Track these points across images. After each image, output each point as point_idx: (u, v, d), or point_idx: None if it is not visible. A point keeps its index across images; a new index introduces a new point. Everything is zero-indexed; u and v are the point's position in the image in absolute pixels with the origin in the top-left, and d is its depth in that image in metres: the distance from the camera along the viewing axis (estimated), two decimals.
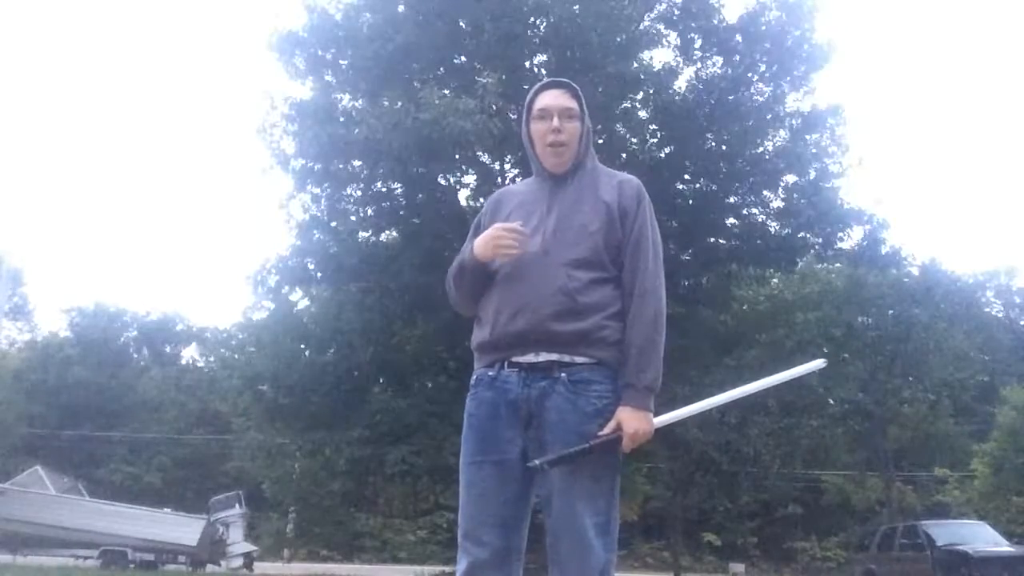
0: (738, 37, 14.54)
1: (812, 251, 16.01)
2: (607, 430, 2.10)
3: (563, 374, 2.13)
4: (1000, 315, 38.03)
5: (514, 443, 2.15)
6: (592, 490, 2.10)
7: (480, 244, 2.22)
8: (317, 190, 14.76)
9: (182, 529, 19.64)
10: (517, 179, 12.28)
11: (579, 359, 2.14)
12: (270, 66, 18.87)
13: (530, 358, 2.15)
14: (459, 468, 2.23)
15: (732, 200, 15.75)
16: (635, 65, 14.64)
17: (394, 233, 15.81)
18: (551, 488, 2.10)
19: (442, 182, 15.28)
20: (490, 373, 2.20)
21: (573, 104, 2.31)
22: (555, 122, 2.27)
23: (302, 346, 15.95)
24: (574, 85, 2.36)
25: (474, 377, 2.26)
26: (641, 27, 14.82)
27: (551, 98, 2.32)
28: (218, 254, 73.27)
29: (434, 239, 13.95)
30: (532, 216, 2.26)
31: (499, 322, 2.17)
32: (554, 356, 2.14)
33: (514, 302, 2.15)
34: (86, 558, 18.85)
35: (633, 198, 2.28)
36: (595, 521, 2.09)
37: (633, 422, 2.10)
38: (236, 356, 20.91)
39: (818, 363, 2.52)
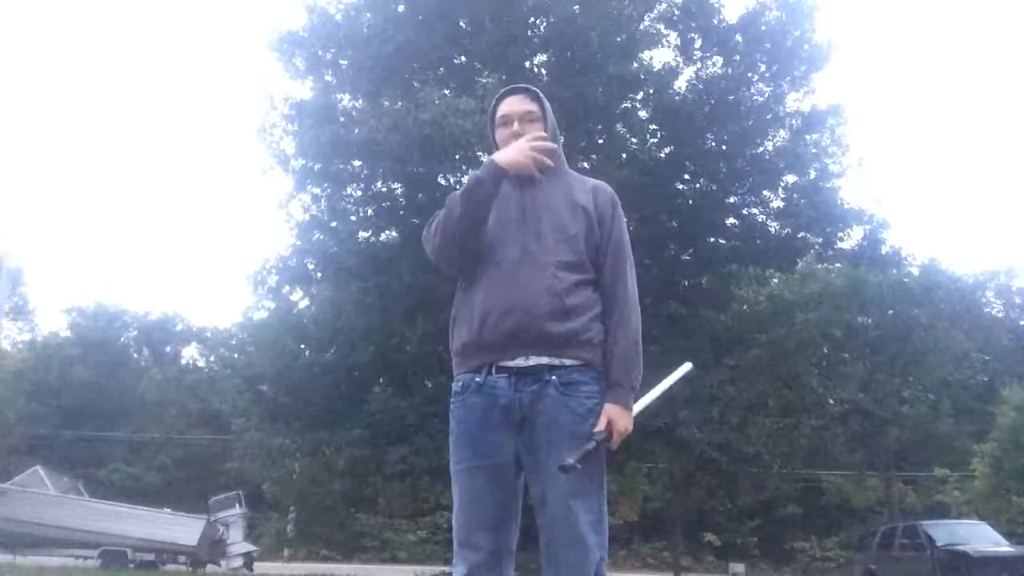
0: (738, 37, 14.55)
1: (812, 251, 16.01)
2: (599, 427, 2.12)
3: (553, 376, 2.14)
4: (1000, 315, 37.97)
5: (506, 447, 2.16)
6: (585, 488, 2.12)
7: (511, 153, 2.19)
8: (317, 190, 14.77)
9: (182, 529, 19.63)
10: None
11: (567, 361, 2.16)
12: (270, 66, 18.92)
13: (519, 362, 2.15)
14: (451, 475, 2.24)
15: (732, 200, 15.75)
16: (635, 65, 14.64)
17: (394, 233, 15.81)
18: (544, 488, 2.12)
19: (442, 182, 15.28)
20: (477, 379, 2.19)
21: (533, 107, 2.34)
22: (515, 126, 2.31)
23: (302, 346, 15.95)
24: (534, 89, 2.39)
25: (459, 383, 2.24)
26: (641, 27, 14.83)
27: (511, 104, 2.36)
28: (218, 254, 73.31)
29: None
30: (505, 216, 2.26)
31: (488, 322, 2.15)
32: (544, 359, 2.14)
33: (503, 302, 2.15)
34: (86, 558, 18.84)
35: (608, 204, 2.32)
36: (589, 519, 2.11)
37: (622, 420, 2.15)
38: (236, 356, 20.90)
39: (686, 367, 2.63)
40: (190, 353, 42.68)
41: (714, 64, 15.12)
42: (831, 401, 18.94)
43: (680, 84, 15.30)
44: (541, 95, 2.37)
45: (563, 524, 2.10)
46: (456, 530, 2.21)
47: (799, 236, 15.42)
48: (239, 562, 20.23)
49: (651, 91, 14.96)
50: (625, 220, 2.36)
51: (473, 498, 2.17)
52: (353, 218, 15.33)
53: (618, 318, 2.22)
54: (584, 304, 2.19)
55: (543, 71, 14.66)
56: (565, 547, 2.11)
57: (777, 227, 15.86)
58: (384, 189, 15.15)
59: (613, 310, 2.23)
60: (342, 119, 13.69)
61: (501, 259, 2.19)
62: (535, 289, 2.14)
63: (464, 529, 2.18)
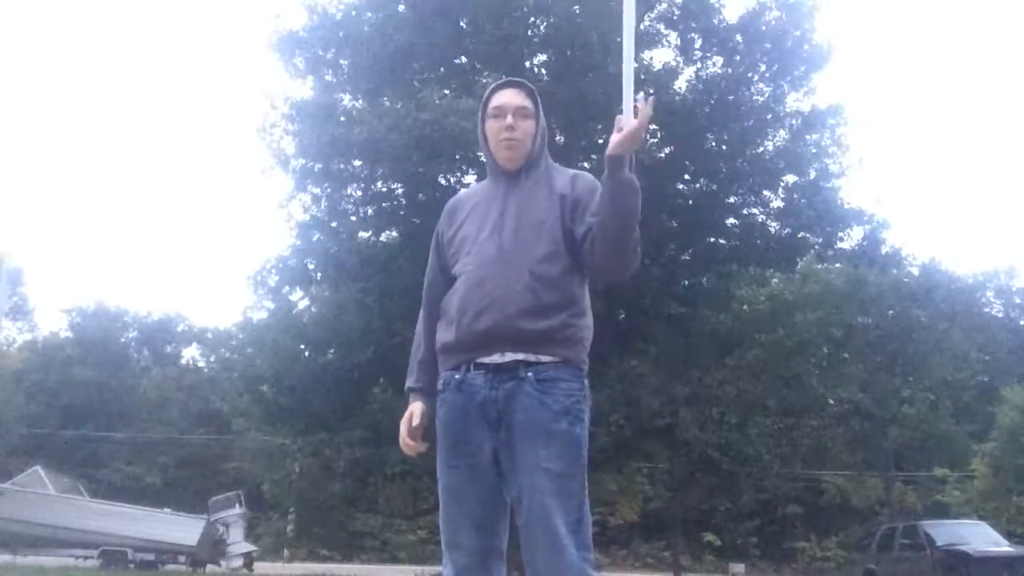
0: (738, 37, 14.54)
1: (812, 251, 16.00)
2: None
3: (529, 373, 2.11)
4: (1000, 315, 37.95)
5: (485, 445, 2.14)
6: (564, 488, 2.05)
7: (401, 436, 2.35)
8: (317, 190, 14.77)
9: (182, 529, 19.63)
10: None
11: (544, 358, 2.13)
12: (270, 66, 18.95)
13: (496, 359, 2.13)
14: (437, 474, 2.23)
15: (732, 200, 15.74)
16: (635, 65, 14.63)
17: (394, 233, 15.79)
18: (520, 487, 2.07)
19: (442, 182, 15.28)
20: (456, 376, 2.18)
21: (528, 103, 2.32)
22: (509, 119, 2.28)
23: (302, 346, 15.93)
24: (529, 85, 2.37)
25: (440, 381, 2.24)
26: (641, 27, 14.81)
27: (506, 97, 2.32)
28: (218, 254, 73.32)
29: None
30: (487, 216, 2.25)
31: (463, 322, 2.15)
32: (520, 356, 2.12)
33: (478, 301, 2.14)
34: (86, 558, 18.84)
35: (587, 190, 2.26)
36: (566, 520, 2.03)
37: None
38: (236, 356, 20.89)
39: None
40: (191, 353, 42.73)
41: (714, 64, 15.11)
42: (831, 401, 18.94)
43: (680, 84, 15.28)
44: (535, 92, 2.36)
45: (538, 524, 2.02)
46: (443, 531, 2.20)
47: (799, 236, 15.41)
48: (239, 562, 20.21)
49: (651, 91, 14.90)
50: None
51: (455, 497, 2.17)
52: (353, 218, 15.32)
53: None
54: (563, 300, 2.16)
55: (543, 71, 14.66)
56: (540, 548, 2.02)
57: (777, 227, 15.85)
58: (384, 189, 15.14)
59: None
60: (342, 119, 13.68)
61: (479, 259, 2.19)
62: (510, 287, 2.12)
63: (448, 528, 2.18)
